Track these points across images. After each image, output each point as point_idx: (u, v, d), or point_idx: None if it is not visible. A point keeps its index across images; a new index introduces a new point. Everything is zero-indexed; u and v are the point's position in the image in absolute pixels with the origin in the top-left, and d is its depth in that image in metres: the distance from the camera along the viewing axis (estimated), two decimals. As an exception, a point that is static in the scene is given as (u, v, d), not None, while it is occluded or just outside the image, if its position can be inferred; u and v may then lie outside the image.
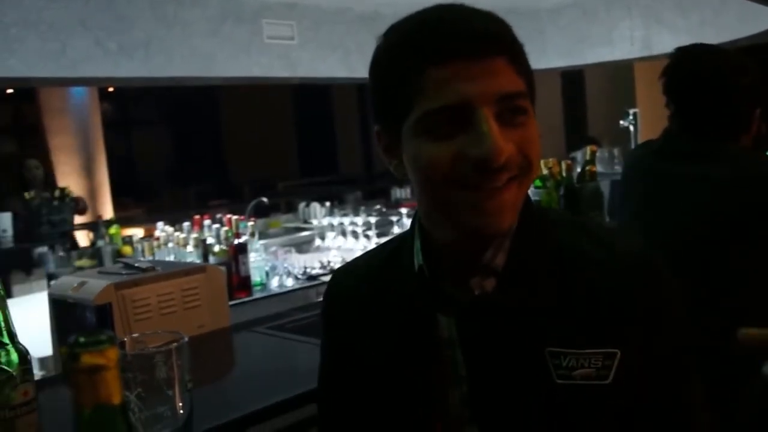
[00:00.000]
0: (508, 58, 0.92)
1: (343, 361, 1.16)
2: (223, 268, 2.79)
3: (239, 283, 3.55)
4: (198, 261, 3.63)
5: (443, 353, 1.02)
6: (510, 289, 0.98)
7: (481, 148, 0.88)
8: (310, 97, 12.80)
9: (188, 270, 2.33)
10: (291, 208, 5.98)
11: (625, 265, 0.98)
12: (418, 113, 0.92)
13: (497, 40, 0.92)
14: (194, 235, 3.93)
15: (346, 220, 4.70)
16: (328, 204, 5.43)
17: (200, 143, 13.56)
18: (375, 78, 1.00)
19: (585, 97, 10.37)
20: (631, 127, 5.91)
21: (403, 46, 0.95)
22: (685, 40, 2.23)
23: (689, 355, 1.01)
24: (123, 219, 6.79)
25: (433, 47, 0.90)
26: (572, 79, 9.60)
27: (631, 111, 5.98)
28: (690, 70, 2.05)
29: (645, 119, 6.07)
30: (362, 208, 5.24)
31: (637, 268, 0.98)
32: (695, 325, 1.17)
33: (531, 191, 2.95)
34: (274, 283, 3.84)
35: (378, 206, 5.51)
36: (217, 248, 3.77)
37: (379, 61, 0.99)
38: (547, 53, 6.24)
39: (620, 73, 8.14)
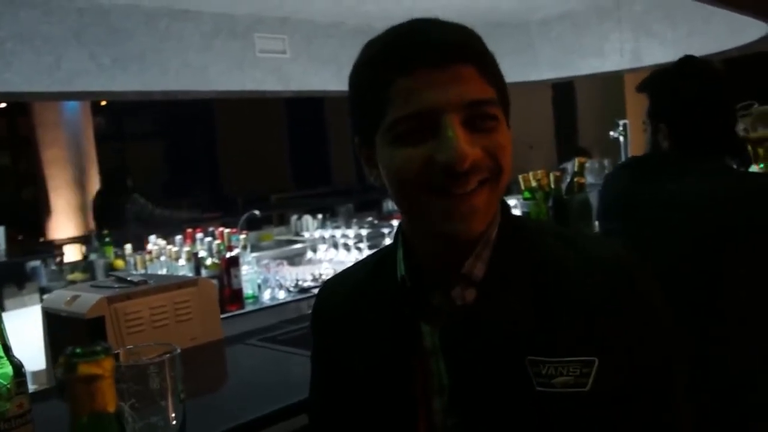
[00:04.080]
0: (474, 66, 0.95)
1: (331, 371, 1.18)
2: (215, 281, 2.80)
3: (231, 295, 3.56)
4: (190, 274, 3.65)
5: (426, 363, 1.04)
6: (490, 299, 1.01)
7: (446, 153, 0.92)
8: (303, 110, 12.81)
9: (180, 283, 2.35)
10: (283, 221, 6.00)
11: (603, 273, 1.00)
12: (389, 121, 0.96)
13: (463, 49, 0.96)
14: (186, 248, 3.94)
15: (338, 233, 4.72)
16: (320, 216, 5.44)
17: (193, 156, 13.55)
18: (352, 91, 1.05)
19: (576, 108, 10.43)
20: (621, 138, 5.95)
21: (375, 59, 1.00)
22: (674, 52, 2.26)
23: (672, 364, 1.03)
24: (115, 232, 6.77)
25: (401, 58, 0.95)
26: (563, 90, 9.65)
27: (621, 122, 6.02)
28: (681, 86, 2.07)
29: (635, 130, 6.11)
30: (354, 220, 5.26)
31: (616, 276, 1.00)
32: (693, 339, 1.18)
33: (520, 203, 2.98)
34: (266, 296, 3.85)
35: (370, 218, 5.53)
36: (209, 261, 3.78)
37: (354, 75, 1.04)
38: (537, 65, 6.29)
39: (611, 84, 8.20)
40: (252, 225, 5.30)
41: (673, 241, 1.94)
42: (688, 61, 2.13)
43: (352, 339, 1.14)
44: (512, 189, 4.12)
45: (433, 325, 1.04)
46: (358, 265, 1.26)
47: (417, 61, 0.93)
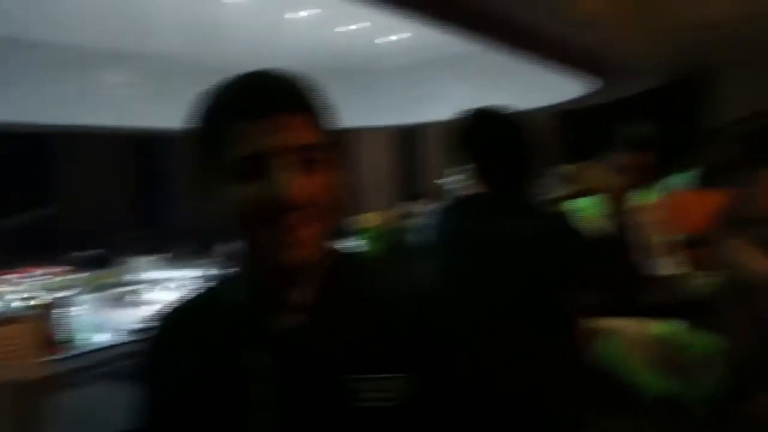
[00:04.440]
0: (308, 114, 1.09)
1: (166, 397, 1.22)
2: (44, 321, 2.70)
3: (58, 336, 3.41)
4: (17, 313, 3.47)
5: (258, 385, 1.11)
6: (318, 324, 1.12)
7: (276, 191, 1.04)
8: (147, 147, 12.53)
9: (4, 320, 2.26)
10: (119, 261, 5.80)
11: (415, 301, 1.15)
12: (229, 162, 1.07)
13: (295, 99, 1.09)
14: (15, 287, 3.76)
15: (175, 273, 4.64)
16: (157, 257, 5.34)
17: (29, 192, 12.90)
18: (196, 131, 1.14)
19: (419, 153, 10.76)
20: (456, 184, 6.19)
21: (220, 105, 1.11)
22: (513, 102, 2.43)
23: (477, 382, 1.15)
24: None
25: (244, 106, 1.07)
26: (405, 135, 9.95)
27: (457, 168, 6.27)
28: (493, 131, 2.25)
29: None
30: (192, 261, 5.19)
31: (423, 305, 1.15)
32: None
33: (358, 242, 3.07)
34: (97, 338, 3.71)
35: (207, 259, 5.45)
36: (37, 301, 3.62)
37: (200, 117, 1.13)
38: (379, 111, 6.48)
39: (451, 131, 8.50)
40: (87, 264, 5.10)
41: (512, 276, 2.09)
42: (489, 110, 2.31)
43: (187, 365, 1.19)
44: (352, 228, 4.22)
45: (265, 348, 1.12)
46: (195, 293, 1.32)
47: (256, 110, 1.06)
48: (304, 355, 1.11)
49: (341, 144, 1.15)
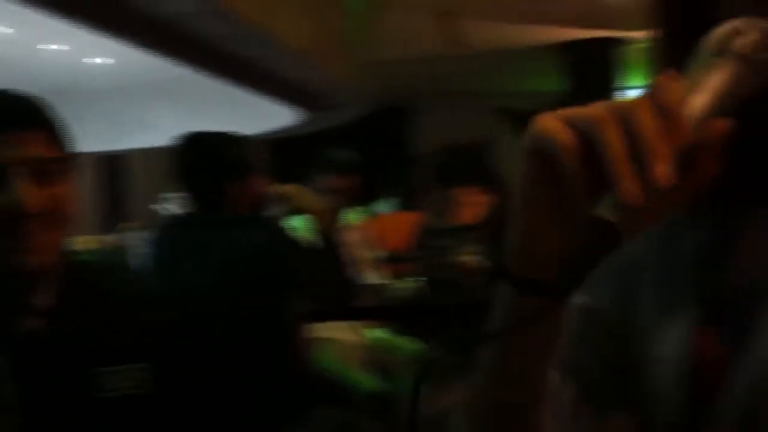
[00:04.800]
0: (39, 130, 1.15)
1: None
2: None
3: None
4: None
5: (1, 388, 1.13)
6: (59, 324, 1.17)
7: (11, 200, 1.09)
8: None
9: None
10: None
11: (142, 301, 1.28)
12: None
13: (28, 116, 1.16)
14: None
15: None
16: None
17: None
18: None
19: (130, 178, 10.40)
20: (168, 210, 6.13)
21: None
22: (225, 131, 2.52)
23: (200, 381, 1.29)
24: None
25: None
26: (113, 162, 9.64)
27: (168, 195, 6.21)
28: (202, 154, 2.34)
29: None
30: None
31: (152, 305, 1.28)
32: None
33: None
34: None
35: None
36: None
37: None
38: (85, 136, 6.21)
39: (164, 158, 8.34)
40: None
41: (231, 286, 2.19)
42: (200, 135, 2.42)
43: None
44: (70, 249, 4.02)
45: (6, 351, 1.14)
46: None
47: None
48: (46, 355, 1.15)
49: (75, 160, 1.22)
